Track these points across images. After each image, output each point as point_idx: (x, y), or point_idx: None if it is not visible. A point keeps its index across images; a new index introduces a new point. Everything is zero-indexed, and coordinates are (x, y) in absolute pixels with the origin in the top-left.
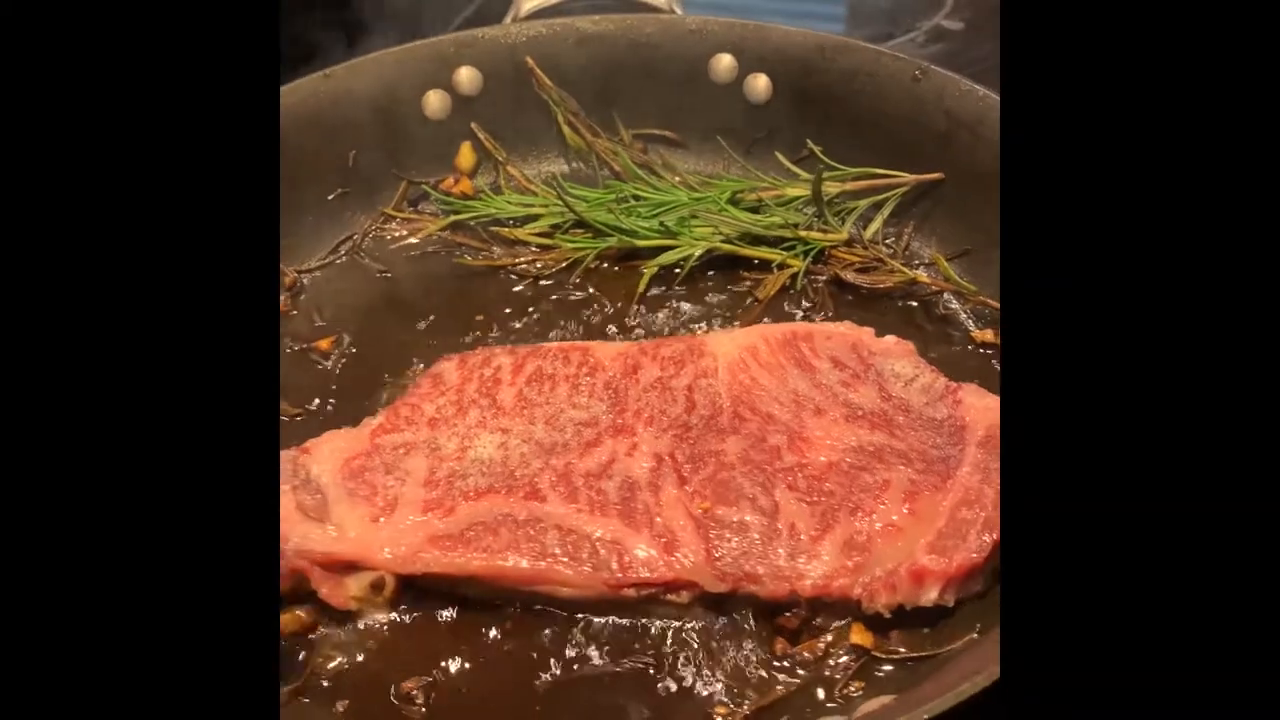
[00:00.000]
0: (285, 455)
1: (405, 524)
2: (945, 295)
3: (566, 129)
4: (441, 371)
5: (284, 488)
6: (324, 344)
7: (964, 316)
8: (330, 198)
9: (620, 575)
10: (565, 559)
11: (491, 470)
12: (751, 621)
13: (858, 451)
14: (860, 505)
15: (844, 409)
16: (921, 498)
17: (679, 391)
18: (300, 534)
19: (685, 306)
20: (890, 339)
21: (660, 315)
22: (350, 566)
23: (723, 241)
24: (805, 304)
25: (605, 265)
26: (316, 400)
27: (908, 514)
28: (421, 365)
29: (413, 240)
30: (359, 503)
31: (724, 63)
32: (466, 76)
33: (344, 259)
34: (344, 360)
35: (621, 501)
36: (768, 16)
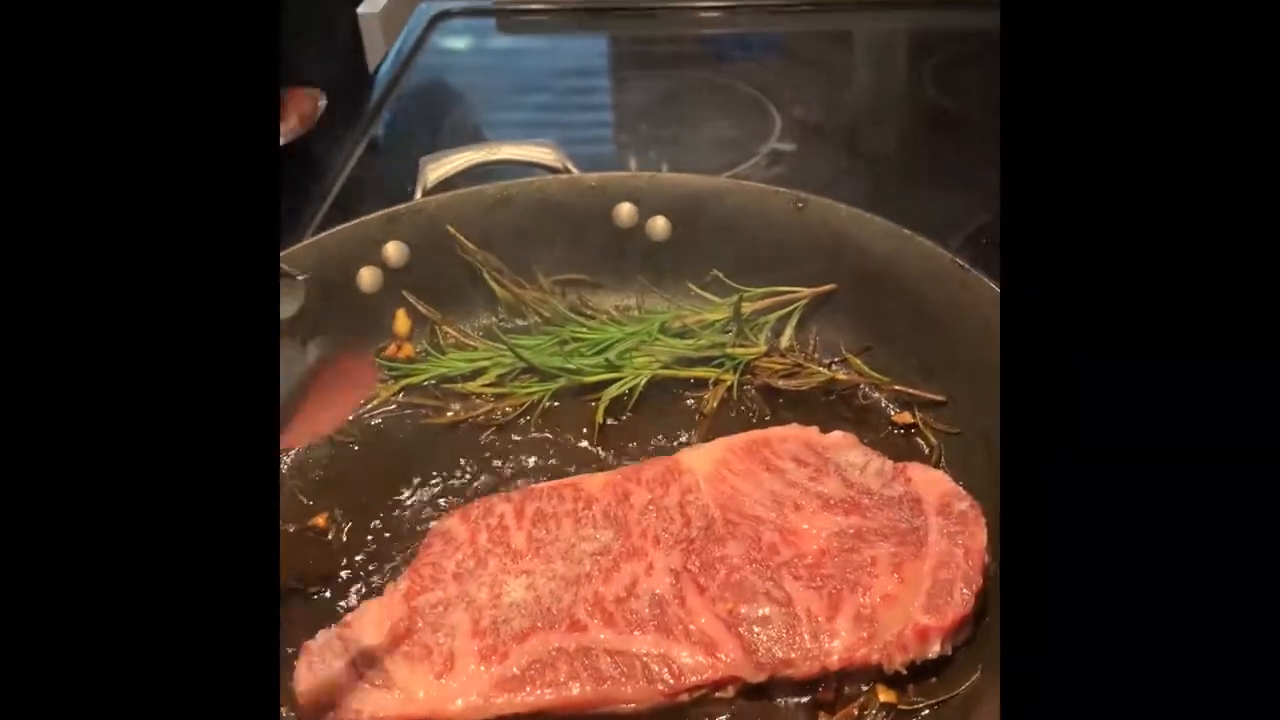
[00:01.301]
0: (331, 633)
1: (468, 675)
2: (861, 387)
3: (495, 285)
4: (448, 529)
5: (339, 664)
6: (320, 521)
7: (883, 404)
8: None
9: (674, 683)
10: (623, 679)
11: (529, 611)
12: (790, 701)
13: (841, 536)
14: (859, 582)
15: (818, 501)
16: (906, 567)
17: (672, 510)
18: (372, 703)
19: (637, 430)
20: (837, 434)
21: (620, 441)
22: None
23: (661, 368)
24: (745, 410)
25: (557, 404)
26: (330, 575)
27: (899, 583)
28: (420, 525)
29: (368, 408)
30: (418, 664)
31: (625, 210)
32: (394, 250)
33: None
34: (345, 534)
35: (655, 617)
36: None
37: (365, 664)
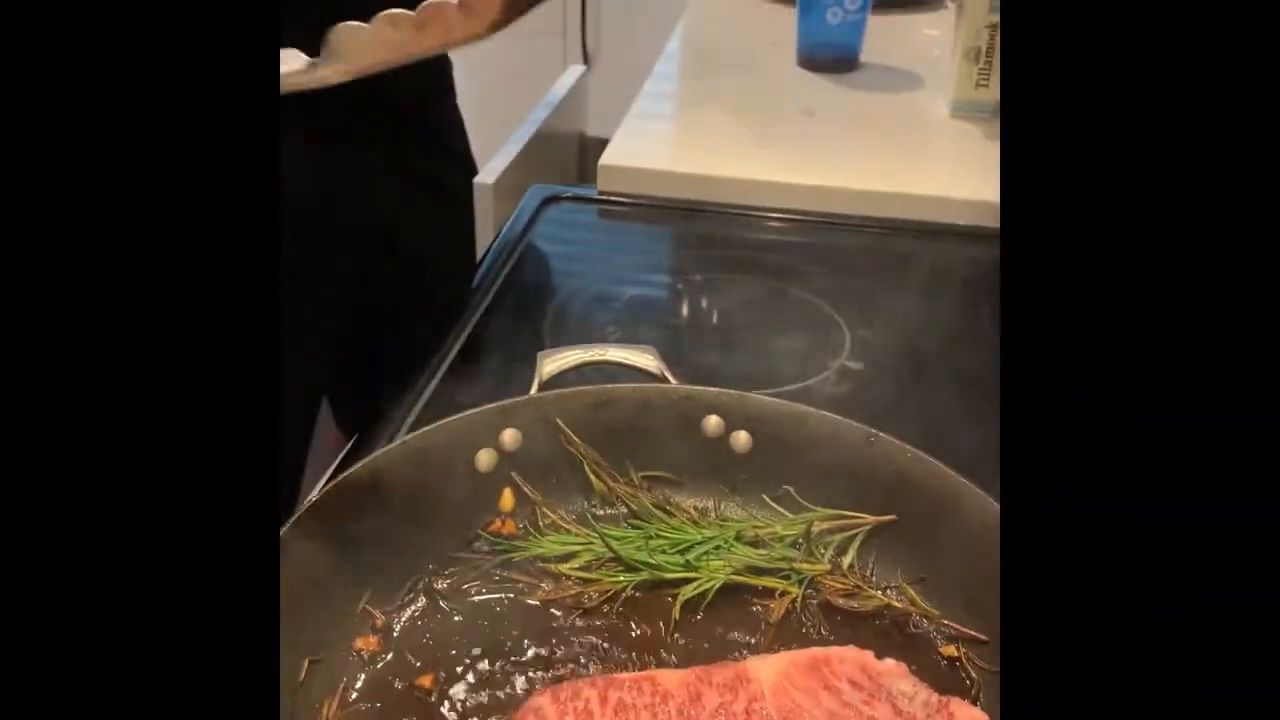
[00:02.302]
0: None
1: None
2: (913, 616)
3: (592, 476)
4: (540, 706)
5: None
6: (427, 682)
7: (931, 634)
8: (400, 544)
9: None
10: None
11: None
12: None
13: None
14: None
15: None
16: None
17: (739, 715)
18: None
19: (707, 628)
20: (890, 661)
21: (691, 638)
22: None
23: (734, 573)
24: (805, 622)
25: (637, 594)
26: None
27: None
28: (509, 692)
29: (471, 579)
30: None
31: (712, 422)
32: (510, 436)
33: (421, 599)
34: (446, 695)
35: None
36: (731, 377)
37: None
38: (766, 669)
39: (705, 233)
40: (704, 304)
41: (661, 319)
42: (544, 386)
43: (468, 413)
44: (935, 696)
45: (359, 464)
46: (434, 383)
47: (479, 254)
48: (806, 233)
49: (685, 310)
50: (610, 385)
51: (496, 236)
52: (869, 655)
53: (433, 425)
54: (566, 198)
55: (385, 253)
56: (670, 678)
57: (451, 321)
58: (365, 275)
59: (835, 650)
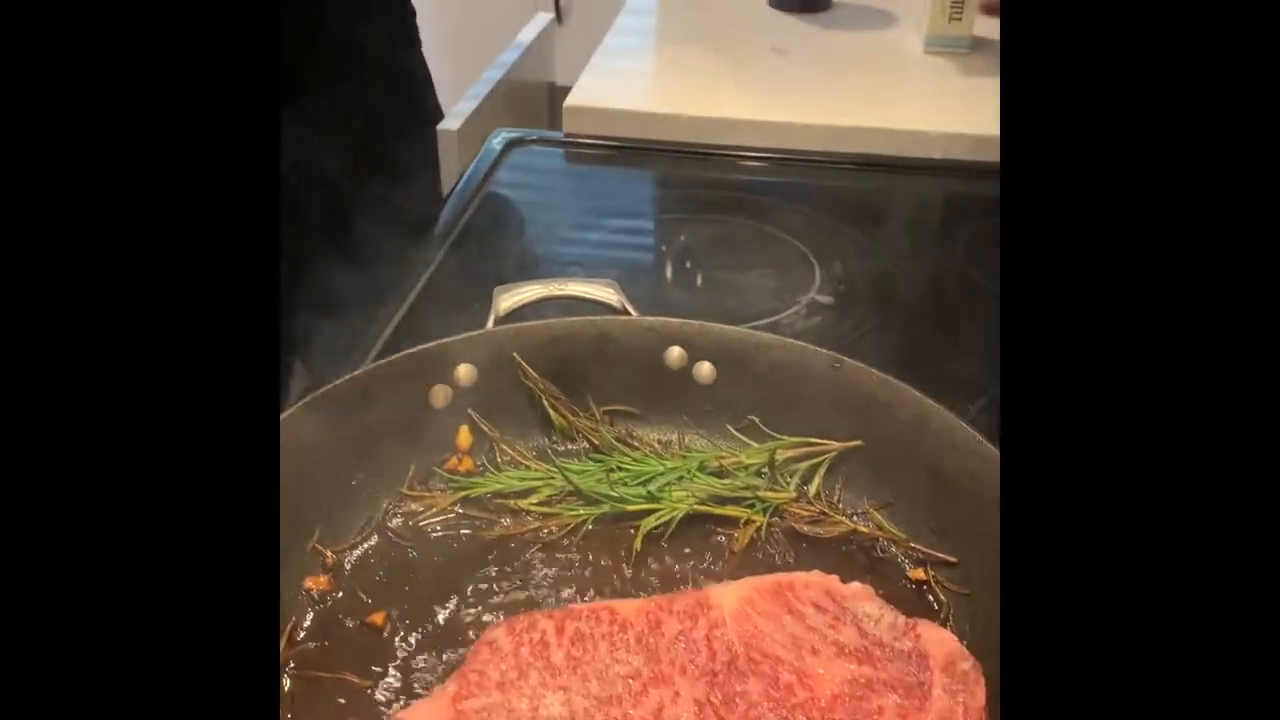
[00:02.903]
0: None
1: None
2: (880, 541)
3: (551, 411)
4: (495, 638)
5: None
6: (378, 619)
7: (899, 559)
8: (353, 483)
9: None
10: None
11: None
12: None
13: (853, 684)
14: None
15: (834, 648)
16: (910, 718)
17: (700, 642)
18: None
19: (669, 560)
20: (856, 585)
21: (653, 568)
22: None
23: (697, 503)
24: (770, 550)
25: (598, 527)
26: (381, 670)
27: None
28: (465, 631)
29: (427, 515)
30: None
31: (675, 353)
32: (465, 371)
33: (374, 538)
34: (399, 633)
35: None
36: (700, 314)
37: None
38: (728, 595)
39: (674, 174)
40: (673, 244)
41: (629, 259)
42: (501, 322)
43: (420, 348)
44: (902, 619)
45: (307, 398)
46: (392, 325)
47: (444, 198)
48: (779, 171)
49: (653, 251)
50: (569, 318)
51: (460, 180)
52: (834, 579)
53: (384, 360)
54: (531, 140)
55: (347, 204)
56: (628, 607)
57: (411, 266)
58: (327, 227)
59: (799, 575)
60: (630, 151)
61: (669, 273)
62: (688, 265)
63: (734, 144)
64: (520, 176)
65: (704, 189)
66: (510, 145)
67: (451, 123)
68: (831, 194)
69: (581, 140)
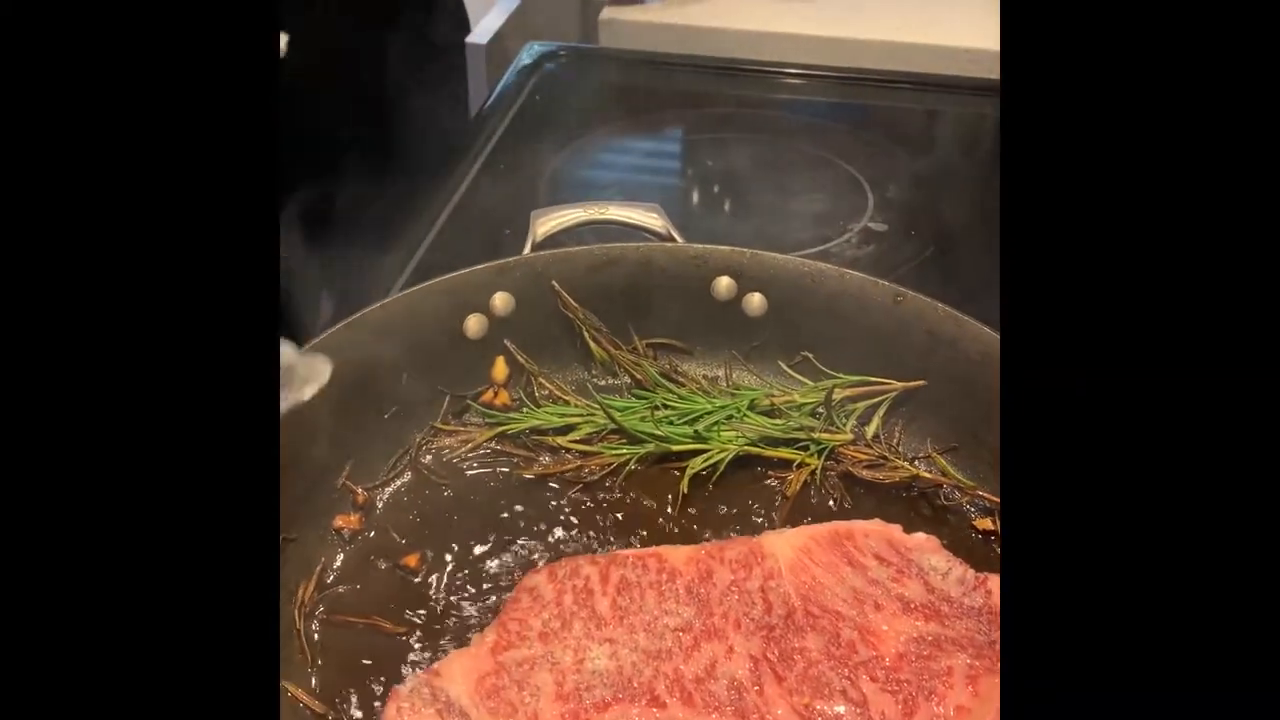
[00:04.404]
0: (419, 680)
1: None
2: (944, 487)
3: (591, 343)
4: (536, 585)
5: (429, 712)
6: (412, 561)
7: (965, 507)
8: (385, 416)
9: None
10: None
11: (610, 680)
12: None
13: (919, 641)
14: (934, 691)
15: (898, 603)
16: (981, 680)
17: (754, 594)
18: None
19: (718, 504)
20: (920, 535)
21: (700, 512)
22: None
23: (747, 444)
24: (826, 495)
25: (642, 468)
26: (416, 616)
27: (973, 695)
28: (503, 575)
29: (462, 451)
30: None
31: (724, 284)
32: (501, 300)
33: (407, 474)
34: (434, 575)
35: (732, 702)
36: (744, 242)
37: (452, 714)
38: (783, 544)
39: (714, 92)
40: (714, 165)
41: (668, 181)
42: (538, 248)
43: (453, 274)
44: (971, 573)
45: (334, 328)
46: (422, 249)
47: (472, 117)
48: (827, 90)
49: (694, 172)
50: (611, 244)
51: (489, 97)
52: (897, 529)
53: (415, 288)
54: (564, 55)
55: (374, 114)
56: (678, 554)
57: (442, 185)
58: (354, 139)
59: (859, 524)
60: (668, 68)
61: (708, 197)
62: (729, 189)
63: (778, 60)
64: (552, 93)
65: (746, 108)
66: (542, 60)
67: (480, 36)
68: (883, 115)
69: (617, 54)
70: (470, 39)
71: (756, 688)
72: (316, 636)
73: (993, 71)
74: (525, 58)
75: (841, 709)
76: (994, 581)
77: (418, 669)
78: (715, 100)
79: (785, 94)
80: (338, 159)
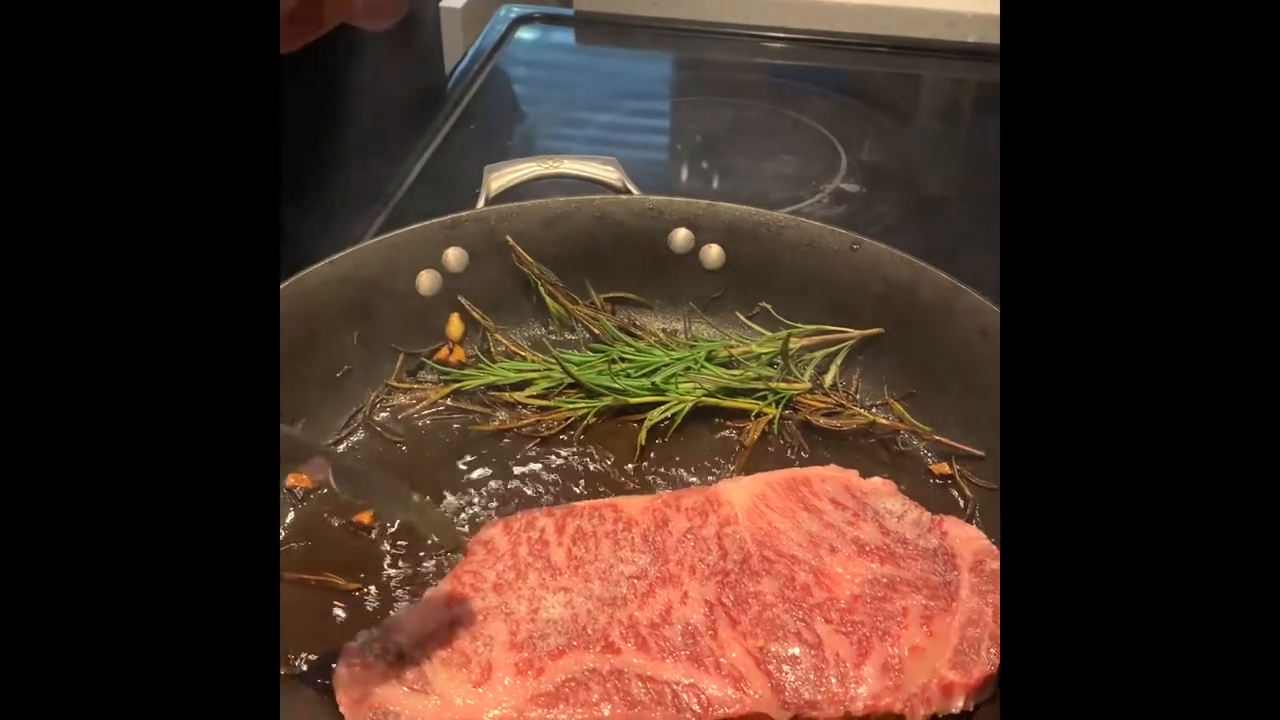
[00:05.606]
0: (371, 635)
1: (503, 687)
2: (901, 433)
3: (548, 298)
4: (490, 538)
5: (380, 665)
6: (365, 518)
7: (921, 452)
8: (338, 375)
9: (701, 713)
10: (653, 704)
11: (564, 628)
12: None
13: (874, 583)
14: (888, 631)
15: (853, 546)
16: (935, 621)
17: (710, 540)
18: (410, 708)
19: (676, 455)
20: (876, 480)
21: (659, 464)
22: None
23: (705, 396)
24: (784, 444)
25: (599, 421)
26: (371, 573)
27: (927, 635)
28: (459, 530)
29: (417, 409)
30: (456, 671)
31: (681, 235)
32: (454, 256)
33: (360, 433)
34: (388, 531)
35: (687, 646)
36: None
37: (404, 667)
38: (739, 491)
39: (690, 55)
40: (688, 129)
41: (640, 142)
42: (493, 203)
43: (403, 230)
44: (927, 515)
45: (282, 284)
46: (389, 208)
47: (446, 77)
48: (804, 54)
49: (667, 134)
50: (565, 198)
51: (463, 58)
52: (853, 474)
53: (362, 244)
54: (539, 18)
55: (344, 82)
56: (633, 504)
57: (411, 147)
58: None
59: (815, 470)
60: (645, 30)
61: (684, 158)
62: (704, 151)
63: (755, 23)
64: (528, 55)
65: (723, 71)
66: (518, 22)
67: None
68: (858, 78)
69: (593, 16)
70: (445, 2)
71: (711, 632)
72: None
73: (969, 35)
74: (501, 20)
75: (796, 650)
76: (949, 523)
77: (372, 627)
78: (691, 64)
79: (762, 57)
80: (303, 118)
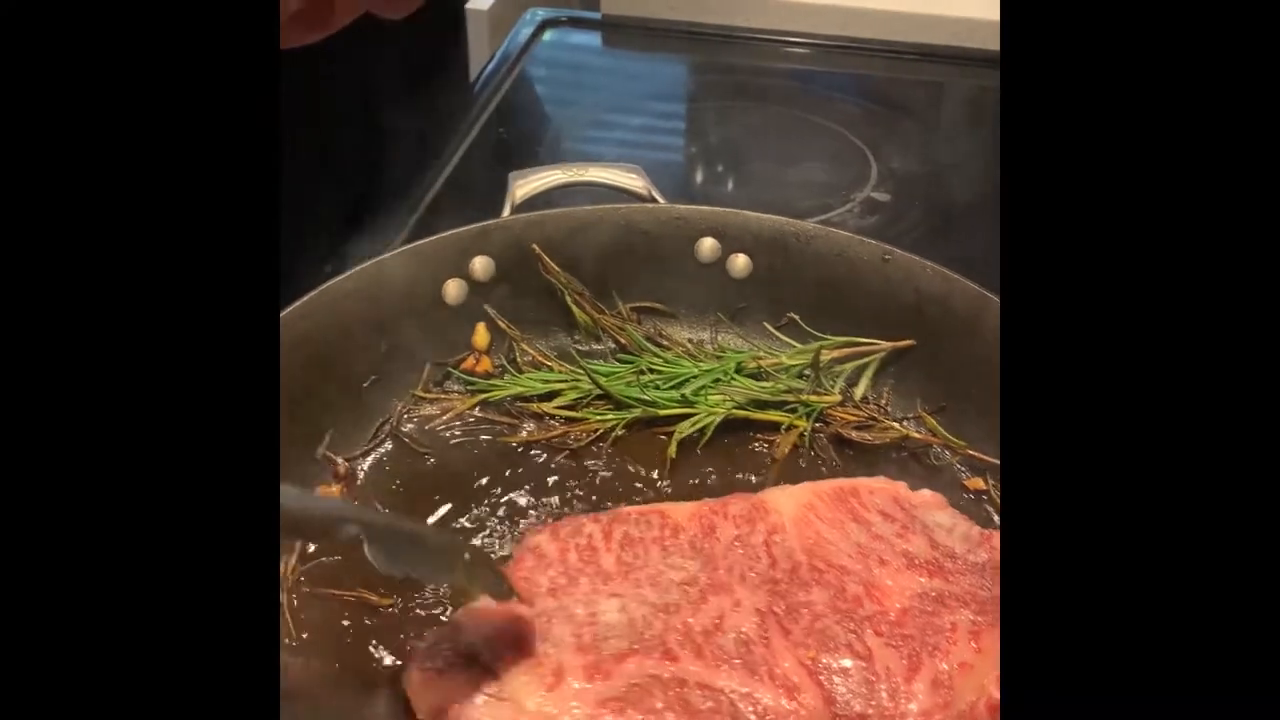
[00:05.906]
0: (438, 634)
1: (573, 690)
2: (934, 447)
3: (574, 307)
4: (538, 544)
5: (452, 668)
6: None
7: (955, 467)
8: (365, 385)
9: None
10: (712, 713)
11: (623, 633)
12: None
13: (923, 597)
14: (938, 646)
15: (903, 559)
16: (984, 636)
17: (758, 548)
18: (489, 714)
19: (706, 468)
20: (925, 492)
21: (690, 476)
22: None
23: (735, 408)
24: (815, 458)
25: (628, 433)
26: (409, 584)
27: (976, 652)
28: (501, 541)
29: (444, 419)
30: (528, 674)
31: (707, 245)
32: (480, 265)
33: (387, 444)
34: None
35: (741, 655)
36: (731, 202)
37: (476, 670)
38: (787, 500)
39: (719, 60)
40: (714, 134)
41: (667, 148)
42: (518, 211)
43: (429, 239)
44: (976, 529)
45: (308, 295)
46: (415, 217)
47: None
48: (830, 60)
49: (694, 140)
50: (592, 206)
51: (489, 63)
52: (902, 486)
53: (389, 254)
54: (566, 21)
55: (372, 83)
56: (680, 510)
57: (438, 151)
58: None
59: (864, 480)
60: (671, 35)
61: (709, 165)
62: (731, 158)
63: (782, 29)
64: (554, 59)
65: (749, 76)
66: (544, 26)
67: (481, 2)
68: (886, 85)
69: (620, 20)
70: (471, 5)
71: (764, 641)
72: (299, 609)
73: (989, 43)
74: (527, 23)
75: (848, 663)
76: (998, 539)
77: (407, 641)
78: (717, 68)
79: (788, 63)
80: (330, 126)
